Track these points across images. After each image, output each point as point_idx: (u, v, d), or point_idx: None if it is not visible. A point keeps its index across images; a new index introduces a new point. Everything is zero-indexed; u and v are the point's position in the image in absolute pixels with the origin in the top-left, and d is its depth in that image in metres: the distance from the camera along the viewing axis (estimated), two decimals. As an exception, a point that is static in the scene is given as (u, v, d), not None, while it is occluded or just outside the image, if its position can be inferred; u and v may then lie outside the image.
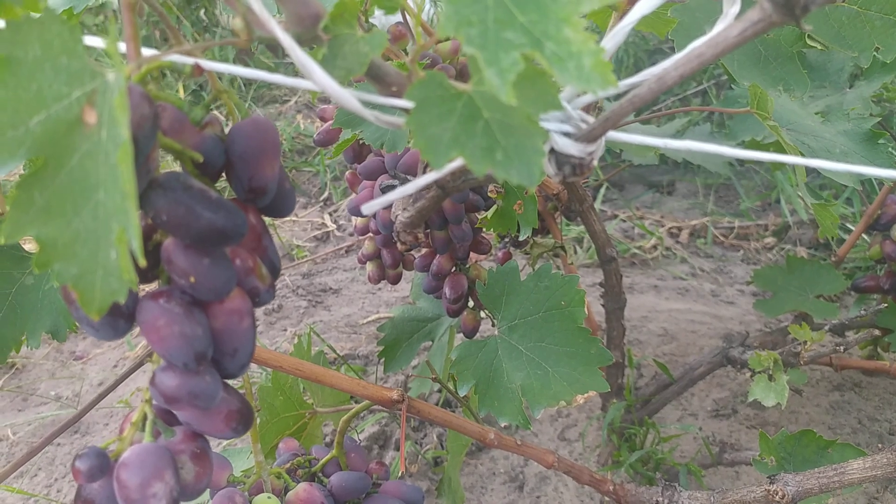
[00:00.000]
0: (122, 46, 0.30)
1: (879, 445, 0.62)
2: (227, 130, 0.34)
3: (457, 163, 0.30)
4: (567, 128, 0.32)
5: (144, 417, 0.35)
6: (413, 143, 0.28)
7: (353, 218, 0.80)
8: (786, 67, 0.51)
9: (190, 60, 0.30)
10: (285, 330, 1.48)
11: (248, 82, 2.37)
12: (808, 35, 0.51)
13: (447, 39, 0.67)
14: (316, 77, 0.29)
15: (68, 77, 0.25)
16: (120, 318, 0.31)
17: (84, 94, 0.25)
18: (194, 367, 0.31)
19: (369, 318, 1.51)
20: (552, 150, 0.32)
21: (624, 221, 1.82)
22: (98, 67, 0.26)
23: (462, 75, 0.68)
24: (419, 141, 0.28)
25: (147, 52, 0.30)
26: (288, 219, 1.89)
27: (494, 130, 0.28)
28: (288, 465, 0.61)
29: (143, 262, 0.23)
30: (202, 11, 2.56)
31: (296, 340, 1.42)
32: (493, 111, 0.29)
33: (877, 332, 0.99)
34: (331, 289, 1.62)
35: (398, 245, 0.76)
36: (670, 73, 0.28)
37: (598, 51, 0.26)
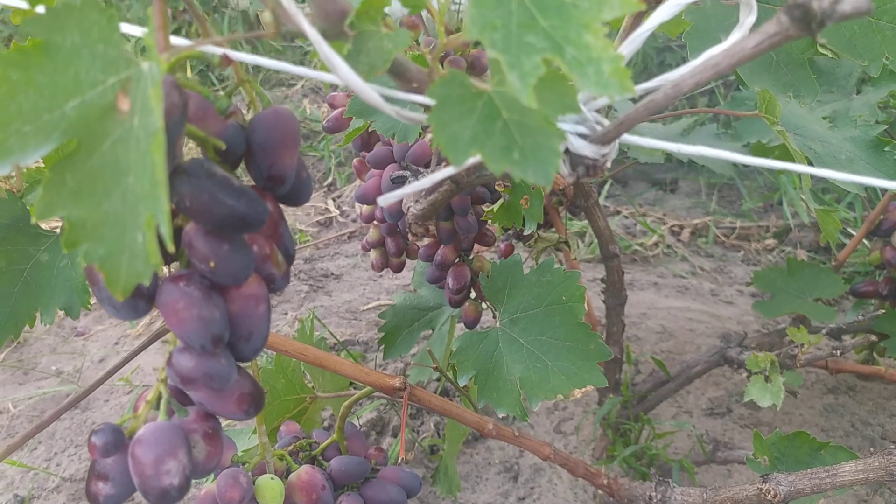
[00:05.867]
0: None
1: (871, 450, 0.63)
2: (247, 119, 0.35)
3: (474, 159, 0.30)
4: (583, 129, 0.33)
5: (160, 396, 0.36)
6: (433, 139, 0.28)
7: (358, 204, 0.80)
8: (797, 74, 0.52)
9: (218, 51, 0.30)
10: (286, 314, 1.49)
11: (256, 66, 2.37)
12: (820, 43, 0.51)
13: (476, 44, 0.67)
14: (340, 72, 0.30)
15: (104, 64, 0.26)
16: (141, 300, 0.32)
17: (119, 82, 0.26)
18: (211, 349, 0.32)
19: (370, 305, 1.52)
20: (567, 151, 0.33)
21: (626, 218, 1.83)
22: (132, 56, 0.26)
23: (473, 67, 0.68)
24: (440, 138, 0.28)
25: (175, 40, 0.31)
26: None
27: (513, 130, 0.29)
28: (290, 448, 0.62)
29: (171, 248, 0.24)
30: (212, -8, 2.56)
31: (297, 324, 1.43)
32: (511, 111, 0.29)
33: (873, 337, 1.00)
34: (332, 274, 1.63)
35: (409, 236, 0.77)
36: (686, 80, 0.29)
37: (617, 57, 0.26)
